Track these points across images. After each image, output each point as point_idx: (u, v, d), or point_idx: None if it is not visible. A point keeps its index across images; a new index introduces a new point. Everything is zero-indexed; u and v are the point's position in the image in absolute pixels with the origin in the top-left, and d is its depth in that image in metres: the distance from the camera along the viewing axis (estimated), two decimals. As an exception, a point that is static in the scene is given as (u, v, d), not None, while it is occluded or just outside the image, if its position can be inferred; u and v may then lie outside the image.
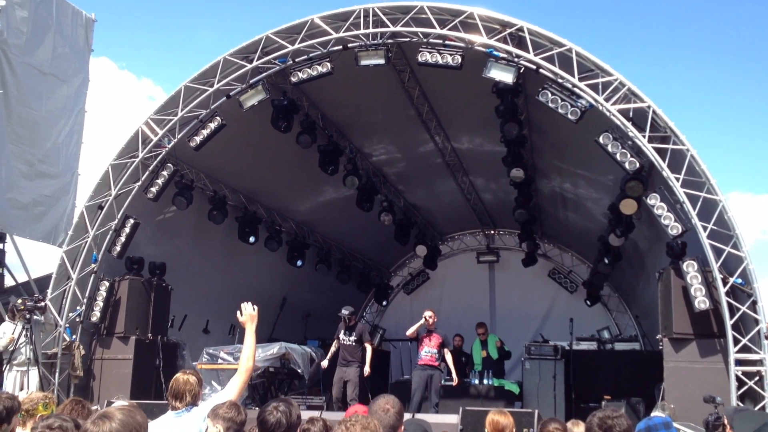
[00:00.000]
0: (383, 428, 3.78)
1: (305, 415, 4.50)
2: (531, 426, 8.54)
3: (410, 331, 11.84)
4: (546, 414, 9.88)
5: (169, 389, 4.88)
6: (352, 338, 11.56)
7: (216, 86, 11.55)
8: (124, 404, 3.51)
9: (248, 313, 5.09)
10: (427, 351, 11.55)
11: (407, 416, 5.11)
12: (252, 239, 15.10)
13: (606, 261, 14.69)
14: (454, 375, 11.84)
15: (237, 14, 56.87)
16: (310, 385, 12.94)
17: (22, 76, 11.90)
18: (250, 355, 5.05)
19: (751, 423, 4.39)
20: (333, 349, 11.74)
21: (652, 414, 8.80)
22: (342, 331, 11.67)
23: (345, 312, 11.68)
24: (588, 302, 17.93)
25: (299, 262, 16.73)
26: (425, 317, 11.61)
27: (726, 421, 4.58)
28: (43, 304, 11.18)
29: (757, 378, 8.98)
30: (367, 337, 11.78)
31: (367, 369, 11.40)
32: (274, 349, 11.99)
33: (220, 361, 12.02)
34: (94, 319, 12.09)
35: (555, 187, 15.68)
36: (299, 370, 12.17)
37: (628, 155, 9.84)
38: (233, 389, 4.92)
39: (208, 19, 56.93)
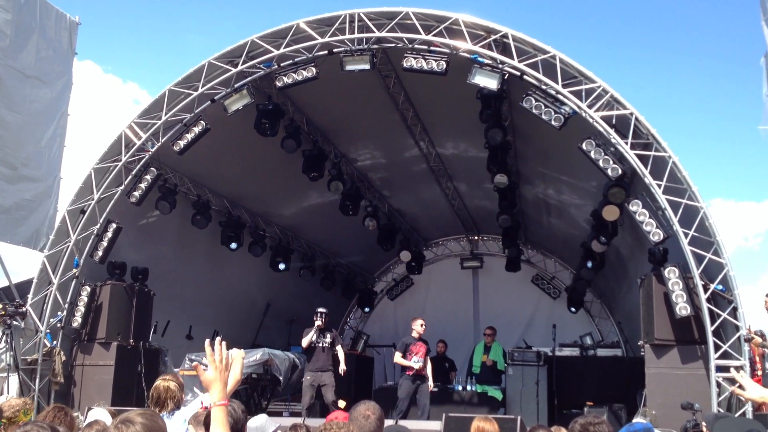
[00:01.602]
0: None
1: (288, 421, 4.48)
2: (514, 432, 8.53)
3: (408, 363, 11.40)
4: (528, 420, 9.88)
5: (150, 397, 4.84)
6: (327, 339, 11.52)
7: (200, 90, 11.50)
8: (144, 410, 3.45)
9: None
10: (416, 360, 11.39)
11: (390, 422, 5.10)
12: (235, 245, 15.03)
13: (589, 267, 14.76)
14: (430, 382, 11.75)
15: (223, 18, 56.79)
16: (293, 392, 12.88)
17: (5, 79, 11.78)
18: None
19: (732, 430, 4.37)
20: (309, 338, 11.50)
21: (634, 420, 8.83)
22: (315, 333, 11.49)
23: (322, 309, 11.64)
24: (571, 308, 18.00)
25: (283, 267, 16.69)
26: (419, 328, 11.56)
27: (705, 428, 4.59)
28: (23, 309, 11.09)
29: (738, 385, 9.02)
30: (339, 339, 12.00)
31: (343, 367, 11.42)
32: (258, 355, 11.92)
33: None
34: (75, 324, 11.97)
35: (538, 194, 15.73)
36: (279, 377, 12.11)
37: (611, 162, 9.91)
38: None
39: (195, 22, 56.81)
